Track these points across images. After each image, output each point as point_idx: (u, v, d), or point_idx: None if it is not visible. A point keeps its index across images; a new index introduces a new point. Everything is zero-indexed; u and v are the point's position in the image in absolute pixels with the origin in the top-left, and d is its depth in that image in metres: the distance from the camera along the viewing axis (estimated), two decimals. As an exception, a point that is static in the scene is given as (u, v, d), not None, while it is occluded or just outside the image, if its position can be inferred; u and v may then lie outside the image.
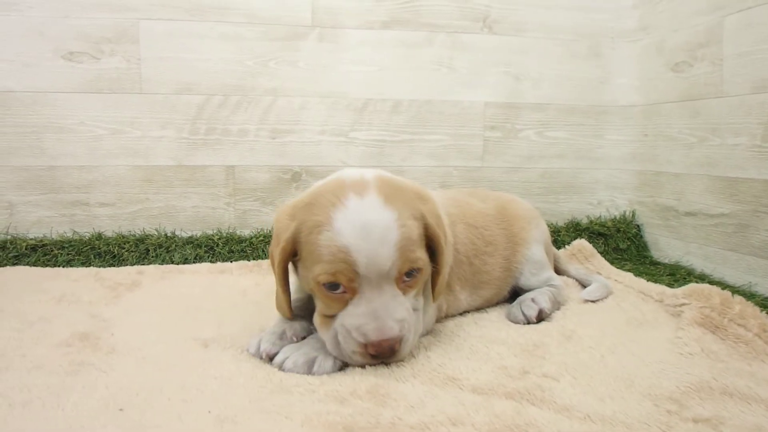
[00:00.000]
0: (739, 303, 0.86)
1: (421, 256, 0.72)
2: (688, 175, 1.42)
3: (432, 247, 0.75)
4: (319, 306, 0.72)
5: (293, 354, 0.70)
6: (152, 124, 1.48)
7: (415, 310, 0.73)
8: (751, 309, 0.84)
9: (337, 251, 0.66)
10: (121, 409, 0.57)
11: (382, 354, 0.68)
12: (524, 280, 1.03)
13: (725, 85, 1.29)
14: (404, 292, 0.71)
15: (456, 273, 0.92)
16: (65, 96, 1.43)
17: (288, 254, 0.72)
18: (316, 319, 0.73)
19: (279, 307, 0.79)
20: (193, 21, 1.47)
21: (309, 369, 0.68)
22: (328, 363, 0.69)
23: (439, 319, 0.92)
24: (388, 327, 0.67)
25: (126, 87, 1.45)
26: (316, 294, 0.72)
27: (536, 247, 1.06)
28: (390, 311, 0.68)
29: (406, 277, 0.70)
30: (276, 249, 0.72)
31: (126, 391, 0.62)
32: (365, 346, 0.67)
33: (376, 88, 1.56)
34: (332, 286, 0.68)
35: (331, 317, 0.70)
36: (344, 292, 0.69)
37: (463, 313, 0.97)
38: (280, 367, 0.69)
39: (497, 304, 1.05)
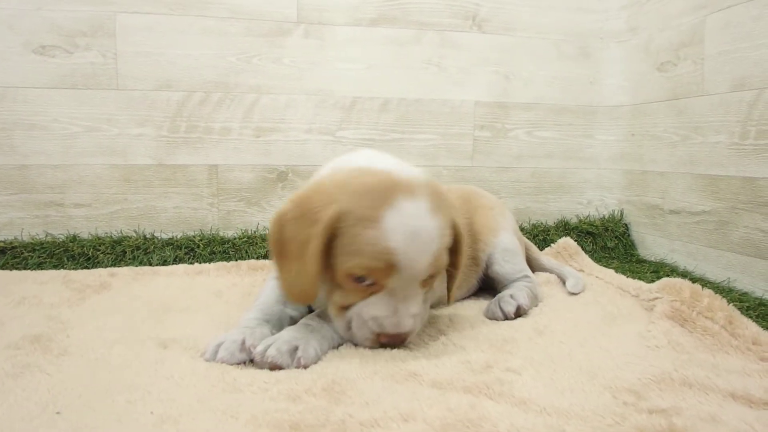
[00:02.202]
0: (707, 296, 0.87)
1: (446, 259, 0.75)
2: (672, 174, 1.42)
3: (453, 249, 0.78)
4: (337, 296, 0.73)
5: (275, 342, 0.69)
6: (130, 122, 1.42)
7: (424, 302, 0.77)
8: (719, 302, 0.84)
9: (383, 251, 0.67)
10: (58, 412, 0.54)
11: (393, 344, 0.72)
12: (498, 268, 1.03)
13: (706, 84, 1.29)
14: (421, 287, 0.74)
15: None
16: (37, 91, 1.37)
17: (328, 237, 0.68)
18: (331, 307, 0.74)
19: (296, 289, 0.71)
20: (173, 15, 1.42)
21: (292, 357, 0.67)
22: (310, 351, 0.69)
23: None
24: (404, 323, 0.71)
25: (102, 83, 1.39)
26: (337, 282, 0.72)
27: (505, 234, 1.06)
28: (408, 307, 0.71)
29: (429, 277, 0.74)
30: (312, 228, 0.68)
31: (68, 394, 0.59)
32: (378, 335, 0.71)
33: (364, 86, 1.53)
34: (361, 279, 0.70)
35: (347, 307, 0.72)
36: (371, 285, 0.70)
37: (437, 308, 0.97)
38: (263, 356, 0.67)
39: (468, 296, 1.06)
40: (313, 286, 0.70)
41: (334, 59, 1.50)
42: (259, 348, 0.68)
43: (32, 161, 1.38)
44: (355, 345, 0.74)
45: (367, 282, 0.69)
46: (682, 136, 1.38)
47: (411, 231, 0.68)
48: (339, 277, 0.70)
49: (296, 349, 0.68)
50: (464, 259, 0.80)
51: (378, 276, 0.69)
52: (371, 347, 0.72)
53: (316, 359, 0.69)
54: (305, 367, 0.67)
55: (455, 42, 1.57)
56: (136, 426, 0.52)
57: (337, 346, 0.74)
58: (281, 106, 1.49)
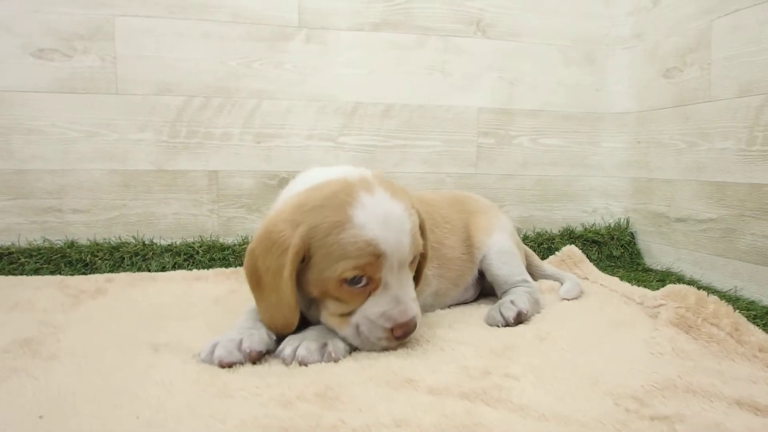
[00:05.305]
0: (713, 303, 0.86)
1: (422, 240, 0.78)
2: (678, 181, 1.40)
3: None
4: (333, 307, 0.73)
5: (303, 342, 0.70)
6: (130, 127, 1.40)
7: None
8: (725, 308, 0.84)
9: (366, 245, 0.69)
10: (40, 417, 0.54)
11: (408, 332, 0.73)
12: (495, 270, 1.02)
13: (713, 89, 1.27)
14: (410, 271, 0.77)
15: None
16: (35, 96, 1.35)
17: (299, 259, 0.71)
18: (331, 320, 0.74)
19: (279, 319, 0.72)
20: (173, 18, 1.40)
21: (321, 353, 0.69)
22: (339, 345, 0.71)
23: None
24: (410, 308, 0.73)
25: (101, 87, 1.38)
26: (329, 295, 0.73)
27: (499, 234, 1.05)
28: (407, 294, 0.73)
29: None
30: (284, 256, 0.70)
31: (54, 398, 0.58)
32: (391, 330, 0.72)
33: (366, 92, 1.51)
34: (355, 280, 0.70)
35: (348, 314, 0.73)
36: (366, 285, 0.71)
37: (434, 311, 0.96)
38: (293, 358, 0.68)
39: (468, 302, 1.05)
40: (293, 312, 0.71)
41: (336, 64, 1.48)
42: (287, 351, 0.69)
43: (30, 166, 1.36)
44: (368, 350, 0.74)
45: (362, 282, 0.71)
46: (689, 142, 1.36)
47: (383, 218, 0.71)
48: (331, 288, 0.71)
49: (325, 345, 0.70)
50: (429, 241, 0.84)
51: (370, 271, 0.70)
52: (386, 347, 0.73)
53: (346, 353, 0.71)
54: (336, 360, 0.69)
55: (459, 47, 1.54)
56: (120, 431, 0.51)
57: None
58: (282, 112, 1.47)
